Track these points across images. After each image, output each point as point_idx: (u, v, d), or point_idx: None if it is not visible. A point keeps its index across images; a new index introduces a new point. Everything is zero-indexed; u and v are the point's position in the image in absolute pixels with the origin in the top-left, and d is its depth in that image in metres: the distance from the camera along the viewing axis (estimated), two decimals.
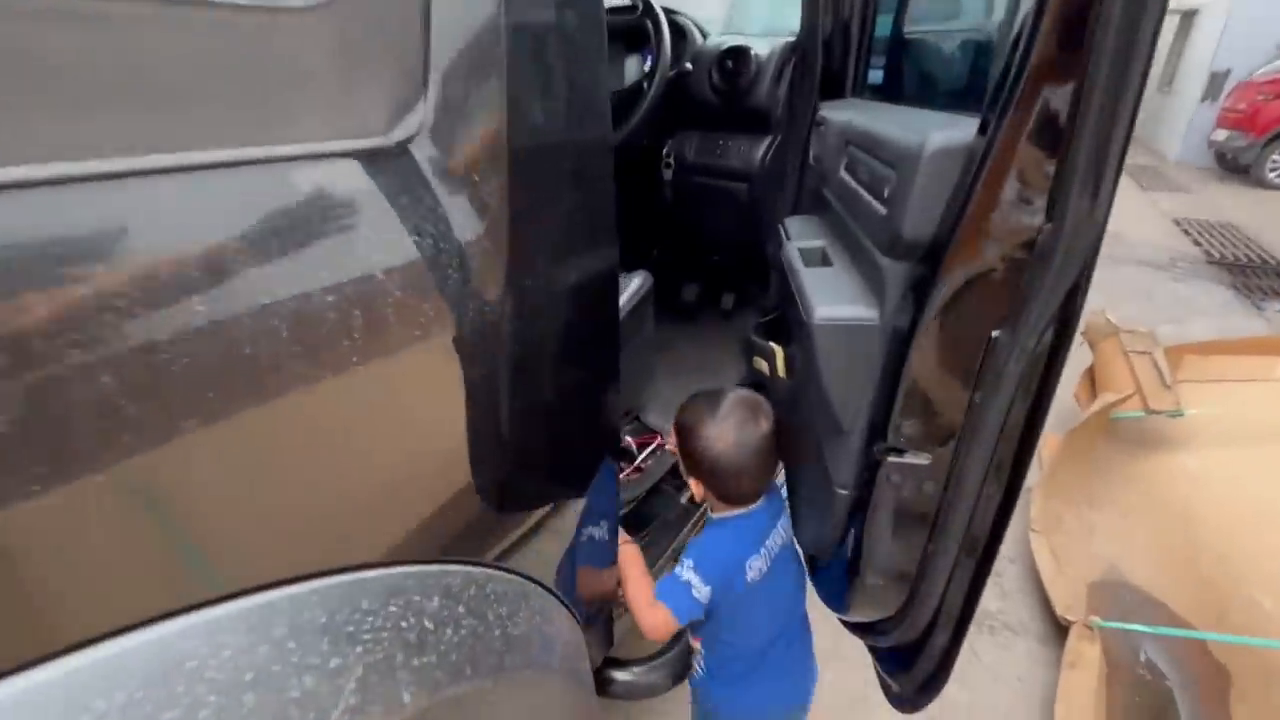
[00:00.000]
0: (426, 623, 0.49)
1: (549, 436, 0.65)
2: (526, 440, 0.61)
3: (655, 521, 1.31)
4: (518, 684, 0.59)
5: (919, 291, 0.66)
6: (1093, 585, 1.71)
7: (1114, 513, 1.86)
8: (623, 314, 1.26)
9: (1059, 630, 1.68)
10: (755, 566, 0.91)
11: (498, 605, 0.58)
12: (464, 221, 0.49)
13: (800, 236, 1.02)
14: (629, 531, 1.10)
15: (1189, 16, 9.34)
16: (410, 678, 0.46)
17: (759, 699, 1.01)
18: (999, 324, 0.58)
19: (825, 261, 0.87)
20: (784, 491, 1.10)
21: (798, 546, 1.05)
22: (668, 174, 1.63)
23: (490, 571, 0.60)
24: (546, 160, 0.55)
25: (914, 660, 0.82)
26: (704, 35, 1.59)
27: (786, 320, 1.00)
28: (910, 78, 1.24)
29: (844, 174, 0.86)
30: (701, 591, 0.89)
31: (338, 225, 0.41)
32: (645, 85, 1.30)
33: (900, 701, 0.90)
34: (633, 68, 1.46)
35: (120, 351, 0.33)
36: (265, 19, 0.38)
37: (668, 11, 1.46)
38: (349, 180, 0.42)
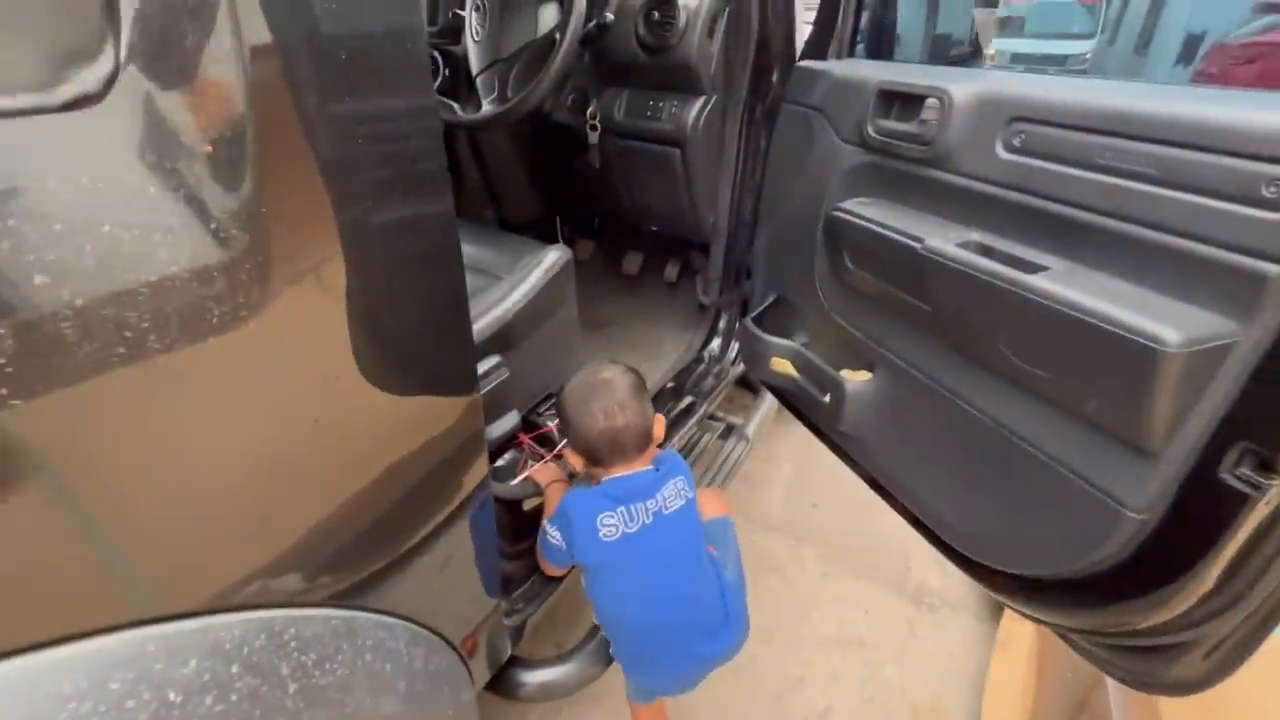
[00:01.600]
0: (171, 695, 0.41)
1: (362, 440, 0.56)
2: (330, 452, 0.52)
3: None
4: None
5: None
6: None
7: None
8: (533, 294, 1.17)
9: (997, 608, 1.67)
10: (609, 523, 0.95)
11: (300, 653, 0.50)
12: (187, 218, 0.38)
13: (905, 226, 0.88)
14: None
15: None
16: None
17: (646, 681, 1.09)
18: None
19: (1022, 264, 0.74)
20: (681, 467, 1.06)
21: (701, 531, 1.04)
22: (594, 137, 1.50)
23: (297, 613, 0.52)
24: (311, 107, 0.45)
25: (1184, 657, 0.76)
26: None
27: (961, 330, 0.86)
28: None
29: (1034, 160, 0.74)
30: (555, 537, 0.99)
31: None
32: (558, 35, 1.18)
33: (1163, 688, 0.84)
34: (548, 17, 1.32)
35: None
36: None
37: None
38: None
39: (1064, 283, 0.68)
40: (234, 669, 0.45)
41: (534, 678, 1.08)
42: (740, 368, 1.74)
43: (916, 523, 1.06)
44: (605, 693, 1.45)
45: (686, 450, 1.69)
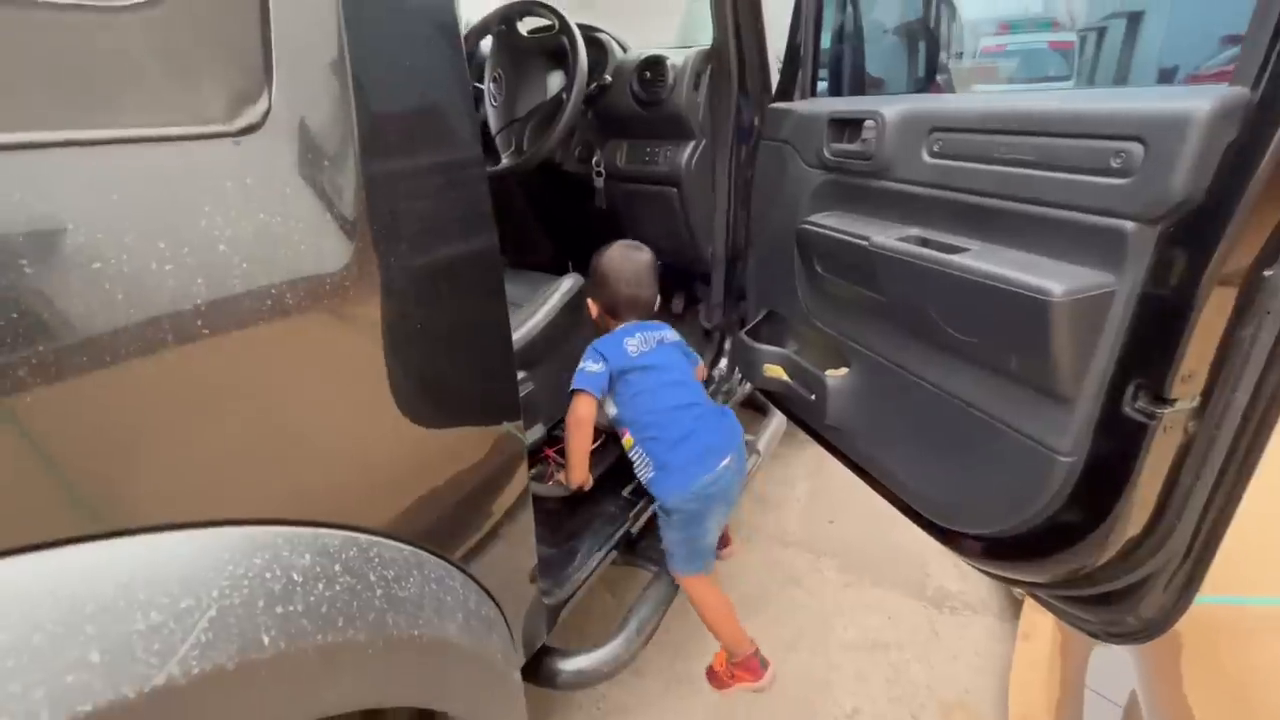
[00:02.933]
0: (295, 575, 0.52)
1: (426, 420, 0.69)
2: (402, 427, 0.65)
3: None
4: (407, 646, 0.61)
5: (1184, 246, 0.64)
6: None
7: None
8: (552, 315, 1.31)
9: (1017, 605, 1.70)
10: (633, 345, 1.35)
11: (382, 568, 0.61)
12: (314, 207, 0.53)
13: (857, 230, 1.02)
14: None
15: (1135, 18, 9.68)
16: (271, 622, 0.48)
17: (686, 469, 1.31)
18: (1270, 263, 0.60)
19: (950, 248, 0.86)
20: (669, 328, 1.45)
21: (689, 354, 1.47)
22: (599, 182, 1.69)
23: (376, 538, 0.63)
24: (400, 149, 0.60)
25: (1145, 596, 0.80)
26: (624, 49, 1.67)
27: (906, 316, 0.98)
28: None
29: (950, 161, 0.88)
30: (595, 369, 1.31)
31: (170, 209, 0.46)
32: (565, 97, 1.37)
33: (1134, 634, 0.87)
34: (555, 83, 1.53)
35: None
36: (94, 16, 0.43)
37: (586, 28, 1.54)
38: (185, 165, 0.46)
39: (979, 259, 0.80)
40: (336, 567, 0.56)
41: (570, 665, 1.16)
42: (747, 387, 1.86)
43: (897, 501, 1.13)
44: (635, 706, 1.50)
45: None
